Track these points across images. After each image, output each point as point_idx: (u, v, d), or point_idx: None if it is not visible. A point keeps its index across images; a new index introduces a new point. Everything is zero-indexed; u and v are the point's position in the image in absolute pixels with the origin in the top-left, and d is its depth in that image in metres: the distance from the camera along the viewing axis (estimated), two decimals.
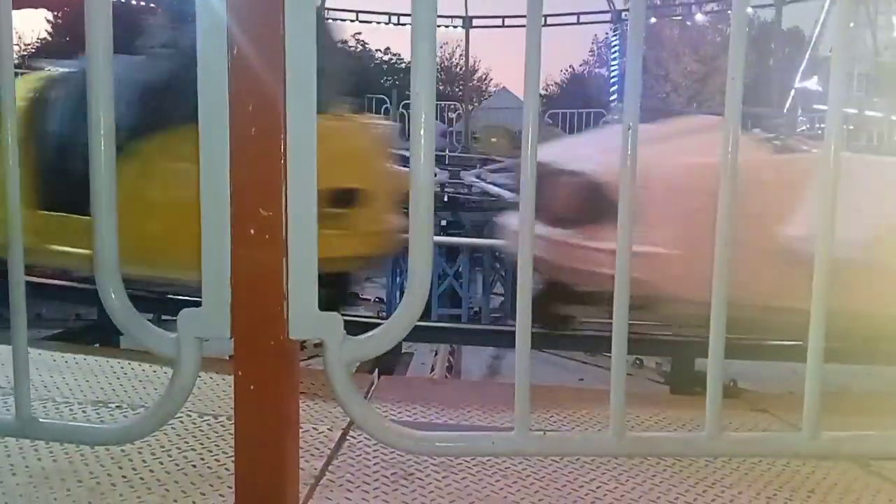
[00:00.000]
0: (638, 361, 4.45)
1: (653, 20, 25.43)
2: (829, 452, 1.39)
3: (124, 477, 1.68)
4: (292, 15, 1.05)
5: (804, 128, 15.13)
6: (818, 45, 19.34)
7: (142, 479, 1.68)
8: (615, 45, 20.37)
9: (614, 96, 18.75)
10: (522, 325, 1.15)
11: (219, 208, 1.09)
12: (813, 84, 18.37)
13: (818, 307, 1.14)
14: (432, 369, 4.52)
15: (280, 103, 1.07)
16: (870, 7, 17.33)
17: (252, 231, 1.10)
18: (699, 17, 25.68)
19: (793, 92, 18.65)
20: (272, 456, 1.18)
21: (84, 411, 2.14)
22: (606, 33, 24.10)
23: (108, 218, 1.12)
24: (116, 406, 2.19)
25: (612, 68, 20.91)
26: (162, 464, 1.76)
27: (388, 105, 15.79)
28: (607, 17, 19.92)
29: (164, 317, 3.84)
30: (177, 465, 1.77)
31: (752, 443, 1.33)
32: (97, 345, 4.00)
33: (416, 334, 3.92)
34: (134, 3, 17.10)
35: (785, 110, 16.55)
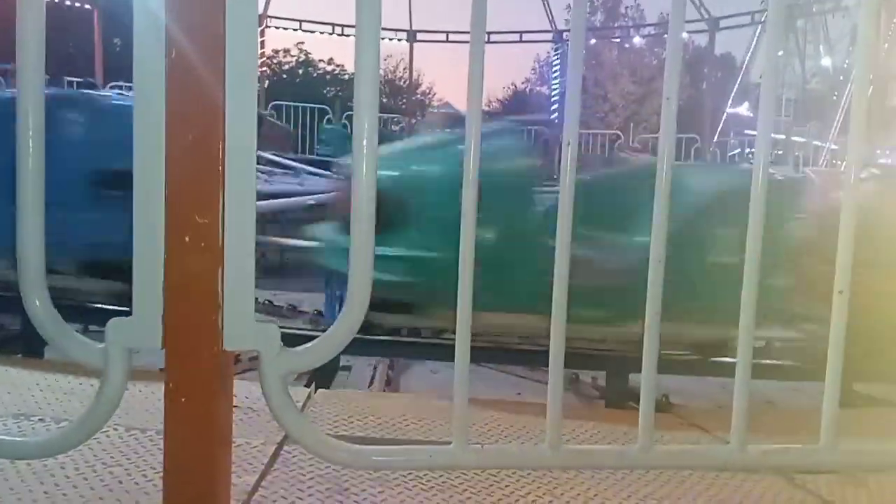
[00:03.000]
0: (574, 376, 4.48)
1: (592, 41, 26.05)
2: (755, 465, 1.43)
3: (46, 493, 1.61)
4: (233, 16, 1.03)
5: (736, 151, 15.69)
6: (749, 70, 20.11)
7: (65, 495, 1.61)
8: (556, 65, 20.70)
9: (555, 114, 19.05)
10: (462, 338, 1.15)
11: (152, 214, 1.06)
12: (744, 109, 19.08)
13: (746, 323, 1.18)
14: (371, 383, 4.46)
15: (220, 108, 1.05)
16: (799, 36, 18.13)
17: (187, 238, 1.07)
18: (637, 40, 26.47)
19: (724, 116, 19.31)
20: (203, 471, 1.15)
21: (5, 424, 2.04)
22: (548, 52, 24.51)
23: (34, 220, 1.08)
24: (39, 419, 2.10)
25: (554, 87, 21.24)
26: (87, 479, 1.69)
27: (331, 116, 15.67)
28: (549, 36, 20.26)
29: (91, 328, 3.71)
30: (102, 480, 1.70)
31: (683, 455, 1.36)
32: (20, 355, 3.83)
33: (356, 347, 3.88)
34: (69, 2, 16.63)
35: (716, 134, 17.12)
